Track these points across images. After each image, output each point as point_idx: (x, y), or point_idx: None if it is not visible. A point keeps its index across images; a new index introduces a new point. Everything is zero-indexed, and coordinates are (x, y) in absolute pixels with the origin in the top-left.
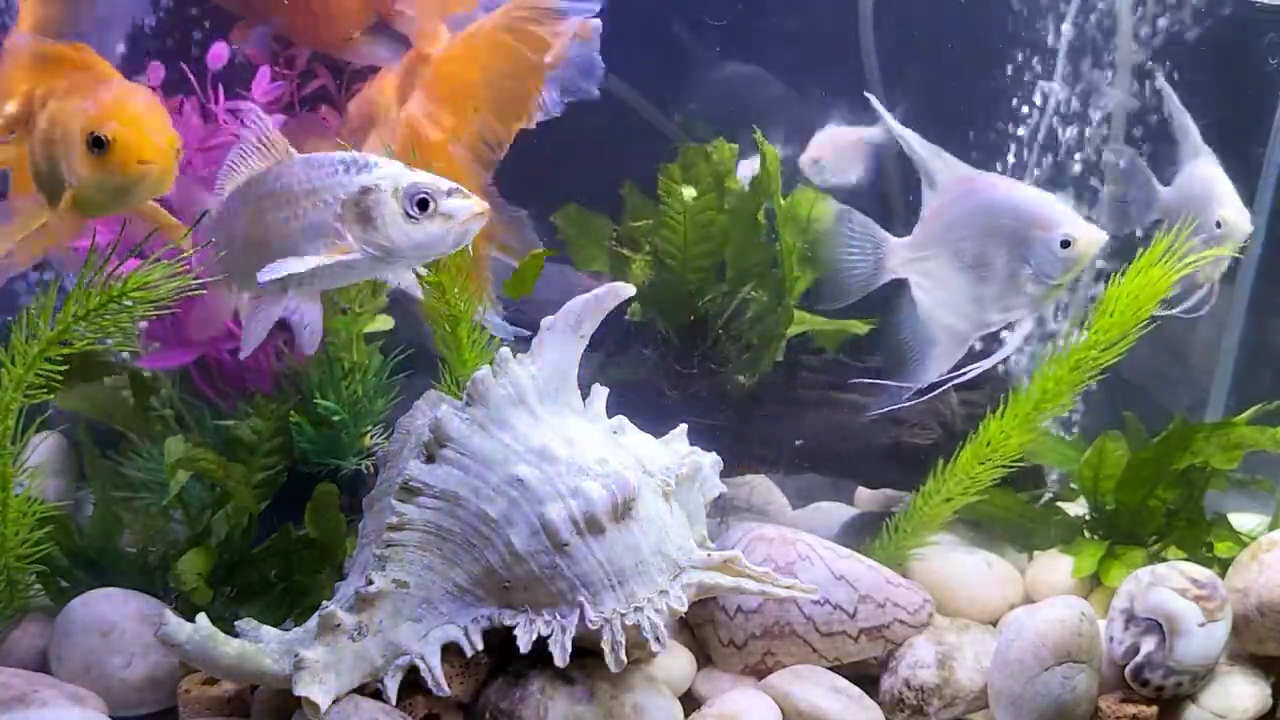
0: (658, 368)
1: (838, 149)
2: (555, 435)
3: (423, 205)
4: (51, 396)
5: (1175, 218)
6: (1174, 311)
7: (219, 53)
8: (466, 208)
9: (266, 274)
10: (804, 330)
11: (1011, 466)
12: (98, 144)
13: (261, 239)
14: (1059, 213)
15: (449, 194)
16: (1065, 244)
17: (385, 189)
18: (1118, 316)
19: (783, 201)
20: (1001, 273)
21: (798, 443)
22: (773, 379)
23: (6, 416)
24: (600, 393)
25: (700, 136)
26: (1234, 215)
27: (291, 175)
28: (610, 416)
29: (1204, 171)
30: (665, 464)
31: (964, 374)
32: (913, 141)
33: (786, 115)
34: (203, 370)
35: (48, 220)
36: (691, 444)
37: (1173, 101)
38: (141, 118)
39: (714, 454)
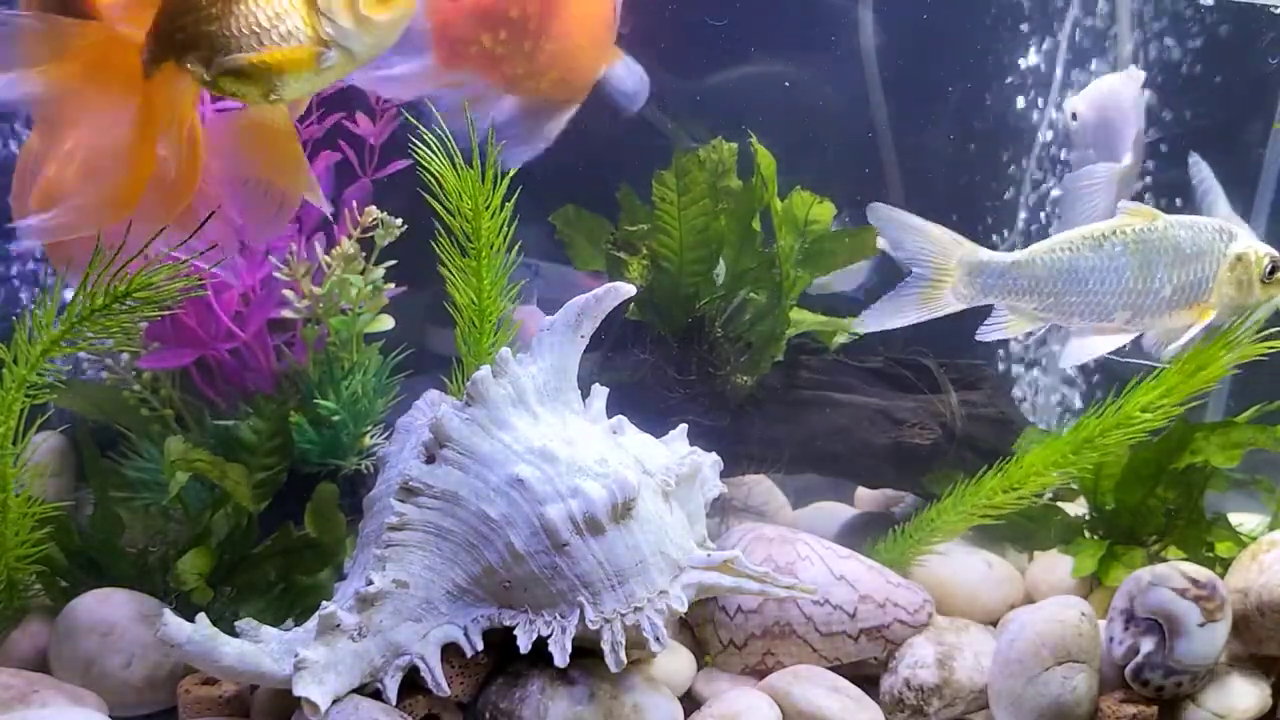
0: (656, 369)
1: None
2: (555, 435)
3: (1272, 271)
4: (54, 397)
5: None
6: None
7: None
8: None
9: (1075, 358)
10: (804, 330)
11: (1033, 500)
12: None
13: (1148, 289)
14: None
15: None
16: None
17: (1252, 257)
18: (1173, 387)
19: (779, 204)
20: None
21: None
22: (772, 380)
23: (9, 417)
24: (600, 393)
25: (698, 138)
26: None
27: (1179, 236)
28: (610, 417)
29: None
30: (665, 464)
31: None
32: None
33: None
34: (203, 370)
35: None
36: (691, 444)
37: (1200, 171)
38: None
39: (714, 454)
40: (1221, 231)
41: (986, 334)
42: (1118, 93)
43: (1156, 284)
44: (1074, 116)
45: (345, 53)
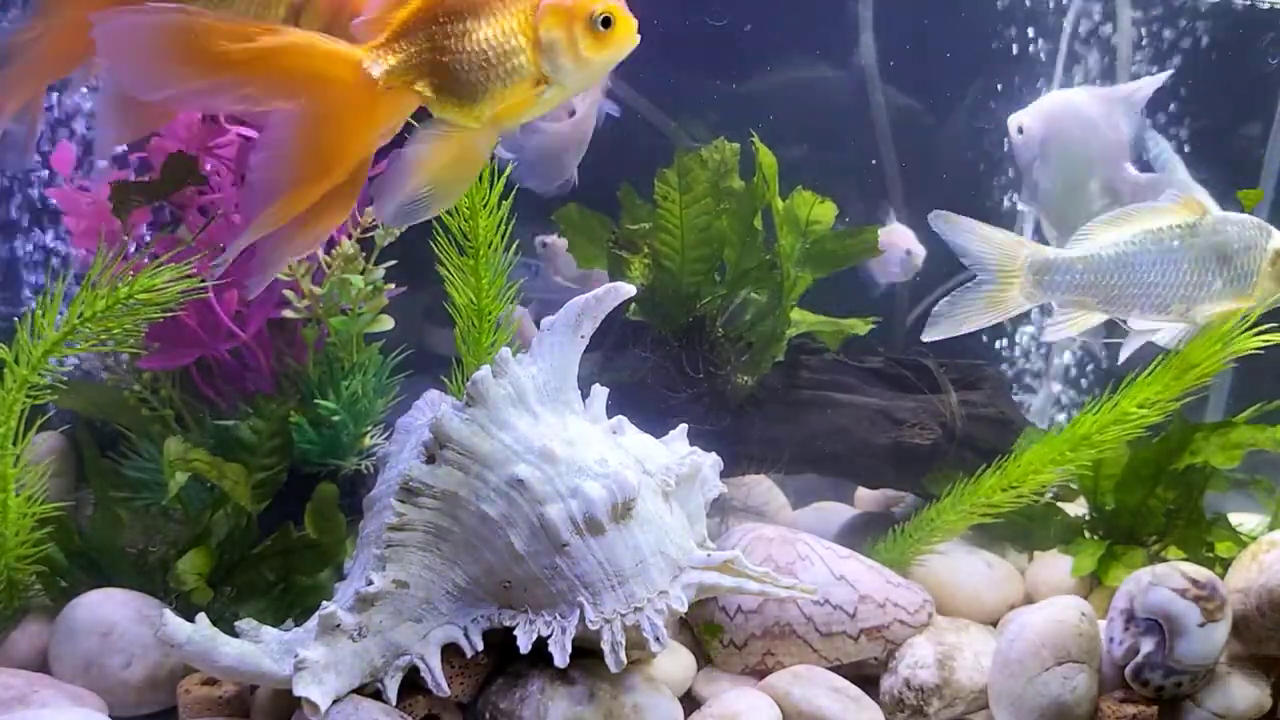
0: (656, 369)
1: None
2: (555, 435)
3: None
4: (54, 397)
5: None
6: None
7: None
8: None
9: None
10: (806, 331)
11: (1033, 500)
12: (606, 23)
13: (1202, 280)
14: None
15: None
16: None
17: None
18: (1169, 383)
19: (781, 204)
20: None
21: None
22: (772, 380)
23: (9, 417)
24: (600, 393)
25: (698, 138)
26: None
27: (1228, 230)
28: (610, 417)
29: None
30: (665, 464)
31: None
32: None
33: None
34: (203, 370)
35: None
36: (691, 444)
37: (1158, 144)
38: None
39: (714, 454)
40: (1261, 228)
41: (1051, 334)
42: (1078, 108)
43: (1209, 276)
44: (1019, 130)
45: (560, 88)
